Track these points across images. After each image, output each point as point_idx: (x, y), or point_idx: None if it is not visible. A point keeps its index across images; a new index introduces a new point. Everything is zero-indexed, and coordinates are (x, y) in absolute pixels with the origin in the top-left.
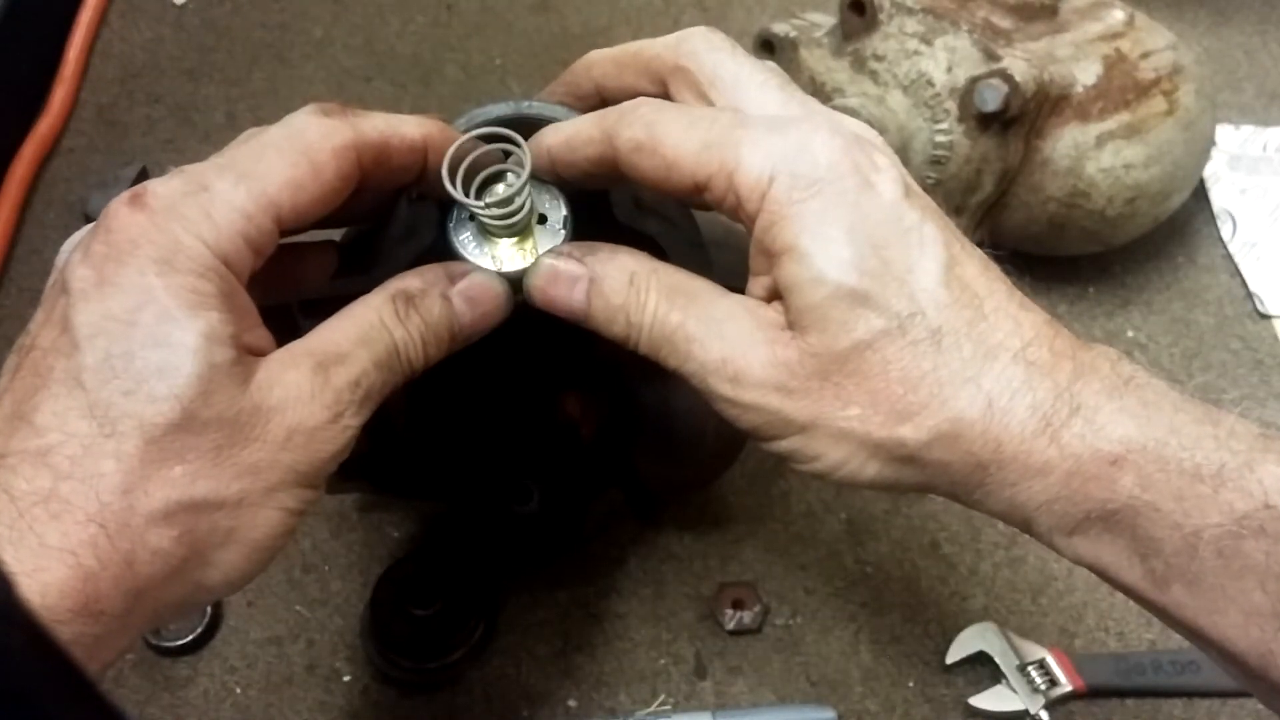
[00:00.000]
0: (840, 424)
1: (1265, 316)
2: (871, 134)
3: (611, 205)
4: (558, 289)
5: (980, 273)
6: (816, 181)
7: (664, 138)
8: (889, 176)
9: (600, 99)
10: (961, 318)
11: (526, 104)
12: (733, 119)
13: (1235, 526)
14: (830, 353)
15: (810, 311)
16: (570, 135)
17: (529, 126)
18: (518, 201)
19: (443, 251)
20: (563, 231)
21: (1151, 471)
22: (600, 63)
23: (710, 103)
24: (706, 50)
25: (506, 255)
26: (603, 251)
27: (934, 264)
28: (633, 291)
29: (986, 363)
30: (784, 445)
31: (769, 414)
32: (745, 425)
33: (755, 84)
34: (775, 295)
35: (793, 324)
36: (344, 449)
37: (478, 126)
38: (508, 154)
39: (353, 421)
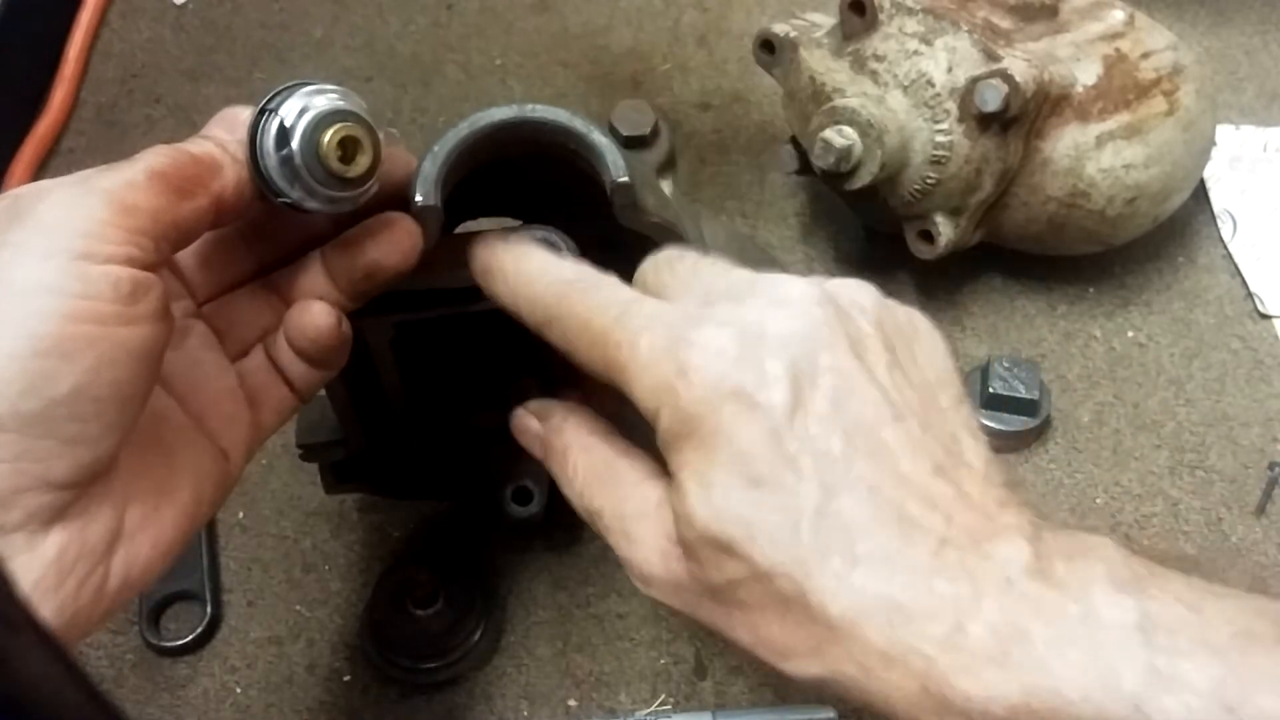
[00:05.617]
0: (734, 639)
1: (1265, 316)
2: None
3: (613, 209)
4: (526, 438)
5: (863, 502)
6: (691, 418)
7: (573, 347)
8: (776, 392)
9: None
10: (829, 568)
11: (530, 107)
12: (619, 343)
13: None
14: (709, 585)
15: (685, 545)
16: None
17: (533, 129)
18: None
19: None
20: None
21: None
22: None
23: None
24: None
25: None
26: (554, 417)
27: (808, 502)
28: (569, 466)
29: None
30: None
31: (678, 611)
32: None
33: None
34: None
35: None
36: None
37: (480, 130)
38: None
39: None
